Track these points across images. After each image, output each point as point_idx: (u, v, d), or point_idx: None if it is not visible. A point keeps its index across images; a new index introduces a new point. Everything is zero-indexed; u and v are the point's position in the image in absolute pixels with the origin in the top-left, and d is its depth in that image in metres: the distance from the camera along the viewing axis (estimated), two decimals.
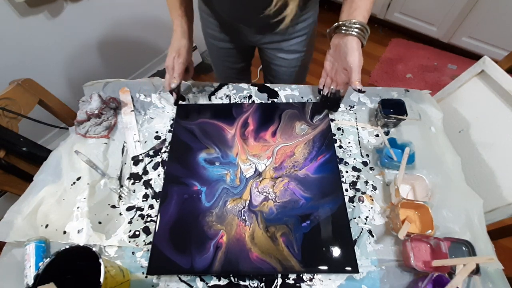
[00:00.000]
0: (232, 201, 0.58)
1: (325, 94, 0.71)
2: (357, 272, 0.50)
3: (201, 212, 0.57)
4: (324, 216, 0.56)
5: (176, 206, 0.58)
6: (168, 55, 0.68)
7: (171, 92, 0.70)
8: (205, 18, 0.80)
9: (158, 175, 0.63)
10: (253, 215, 0.57)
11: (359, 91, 0.58)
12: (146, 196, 0.61)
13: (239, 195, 0.59)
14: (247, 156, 0.65)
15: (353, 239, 0.55)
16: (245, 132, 0.69)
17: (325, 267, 0.51)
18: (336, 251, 0.53)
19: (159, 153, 0.67)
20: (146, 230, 0.56)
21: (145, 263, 0.52)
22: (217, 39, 0.84)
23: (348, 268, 0.51)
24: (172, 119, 0.73)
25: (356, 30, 0.58)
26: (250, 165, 0.64)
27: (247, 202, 0.58)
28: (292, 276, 0.51)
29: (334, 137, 0.69)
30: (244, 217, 0.56)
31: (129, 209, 0.59)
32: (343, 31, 0.59)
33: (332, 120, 0.72)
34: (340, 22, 0.60)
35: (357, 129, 0.71)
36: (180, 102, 0.74)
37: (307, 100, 0.76)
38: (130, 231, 0.56)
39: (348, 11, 0.60)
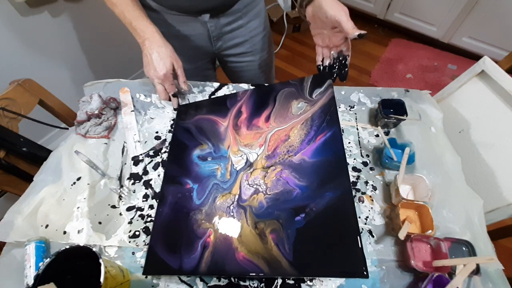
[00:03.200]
0: (221, 197, 0.55)
1: (329, 63, 0.65)
2: (366, 276, 0.42)
3: (192, 211, 0.54)
4: (323, 207, 0.48)
5: (170, 206, 0.56)
6: (160, 64, 0.62)
7: (174, 96, 0.70)
8: None
9: (158, 175, 0.63)
10: (242, 210, 0.52)
11: (360, 36, 0.53)
12: (146, 196, 0.61)
13: (228, 190, 0.55)
14: (238, 147, 0.60)
15: (359, 231, 0.46)
16: (238, 122, 0.64)
17: (322, 270, 0.44)
18: (336, 250, 0.45)
19: (159, 153, 0.67)
20: (146, 230, 0.56)
21: None
22: None
23: (353, 271, 0.43)
24: (172, 119, 0.73)
25: None
26: (241, 156, 0.59)
27: (236, 197, 0.54)
28: None
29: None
30: (232, 214, 0.52)
31: (129, 209, 0.59)
32: None
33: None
34: None
35: (357, 129, 0.71)
36: (180, 102, 0.74)
37: None
38: (130, 231, 0.56)
39: None
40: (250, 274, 0.46)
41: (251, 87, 0.79)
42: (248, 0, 0.75)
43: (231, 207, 0.53)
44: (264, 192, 0.54)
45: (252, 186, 0.55)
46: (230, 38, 0.79)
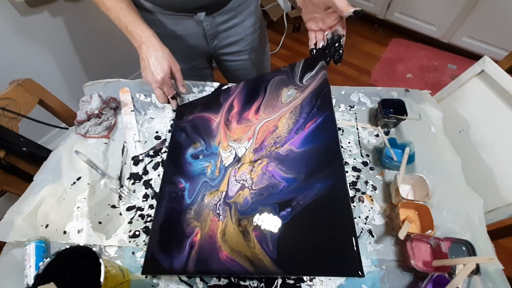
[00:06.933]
0: (209, 195, 0.53)
1: (323, 45, 0.61)
2: (360, 275, 0.39)
3: (183, 210, 0.54)
4: (312, 200, 0.45)
5: (165, 206, 0.56)
6: (158, 68, 0.61)
7: (173, 98, 0.69)
8: None
9: (158, 175, 0.63)
10: (227, 207, 0.50)
11: (356, 13, 0.49)
12: (146, 196, 0.61)
13: (216, 188, 0.54)
14: (228, 142, 0.59)
15: (354, 225, 0.43)
16: (229, 116, 0.63)
17: (312, 268, 0.42)
18: (327, 247, 0.42)
19: (159, 153, 0.67)
20: (146, 230, 0.56)
21: None
22: None
23: (347, 270, 0.41)
24: (173, 119, 0.73)
25: None
26: (230, 151, 0.57)
27: (224, 194, 0.52)
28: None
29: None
30: (218, 211, 0.51)
31: (129, 209, 0.59)
32: None
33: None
34: None
35: (357, 129, 0.71)
36: (179, 103, 0.74)
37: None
38: (130, 231, 0.56)
39: None
40: (235, 273, 0.45)
41: None
42: (244, 7, 0.75)
43: (218, 205, 0.52)
44: (249, 188, 0.51)
45: (239, 182, 0.53)
46: (225, 36, 0.79)
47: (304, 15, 0.60)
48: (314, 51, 0.62)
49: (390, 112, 0.67)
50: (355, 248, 0.40)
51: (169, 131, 0.71)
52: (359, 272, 0.40)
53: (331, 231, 0.43)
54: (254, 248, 0.45)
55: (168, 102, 0.71)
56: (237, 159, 0.56)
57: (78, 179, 0.62)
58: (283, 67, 0.64)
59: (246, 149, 0.56)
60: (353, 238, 0.41)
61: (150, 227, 0.56)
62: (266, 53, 0.91)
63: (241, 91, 0.66)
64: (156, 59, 0.61)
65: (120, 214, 0.58)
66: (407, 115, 0.66)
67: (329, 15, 0.56)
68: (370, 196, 0.60)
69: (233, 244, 0.47)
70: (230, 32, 0.79)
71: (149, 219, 0.58)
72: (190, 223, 0.52)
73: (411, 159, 0.61)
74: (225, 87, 0.78)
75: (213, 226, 0.50)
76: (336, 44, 0.59)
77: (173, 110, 0.73)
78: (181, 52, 0.75)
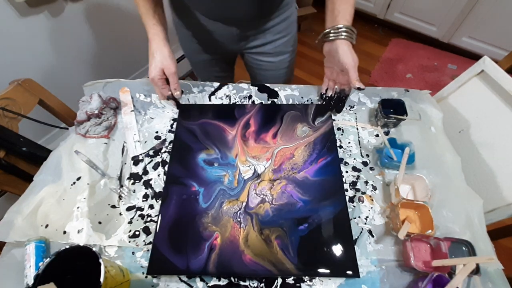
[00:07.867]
0: (228, 203, 0.58)
1: (330, 95, 0.73)
2: (358, 276, 0.50)
3: (198, 213, 0.57)
4: (324, 220, 0.55)
5: (175, 207, 0.58)
6: (153, 66, 0.64)
7: (172, 98, 0.70)
8: (184, 32, 0.80)
9: (158, 175, 0.63)
10: (249, 217, 0.56)
11: (359, 89, 0.60)
12: (146, 196, 0.61)
13: (235, 197, 0.59)
14: (246, 157, 0.65)
15: (353, 239, 0.54)
16: (246, 133, 0.69)
17: (324, 271, 0.50)
18: (335, 255, 0.52)
19: (159, 153, 0.67)
20: (146, 230, 0.56)
21: (145, 263, 0.52)
22: (198, 52, 0.83)
23: (349, 272, 0.50)
24: (172, 119, 0.73)
25: (343, 33, 0.61)
26: (249, 166, 0.63)
27: (244, 204, 0.58)
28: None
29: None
30: (239, 219, 0.56)
31: (129, 209, 0.59)
32: (331, 38, 0.62)
33: (333, 120, 0.72)
34: (326, 30, 0.63)
35: (357, 129, 0.71)
36: (180, 102, 0.74)
37: (307, 100, 0.76)
38: (130, 231, 0.56)
39: (331, 18, 0.63)
40: (260, 275, 0.50)
41: (257, 101, 0.79)
42: (280, 13, 0.74)
43: (238, 213, 0.57)
44: (270, 202, 0.58)
45: (259, 196, 0.59)
46: (253, 39, 0.79)
47: (325, 62, 0.70)
48: (324, 96, 0.74)
49: (390, 112, 0.67)
50: (353, 257, 0.52)
51: (169, 131, 0.71)
52: (351, 272, 0.50)
53: (336, 243, 0.53)
54: (277, 254, 0.52)
55: (170, 99, 0.71)
56: (257, 175, 0.62)
57: (78, 179, 0.62)
58: (297, 104, 0.75)
59: (266, 168, 0.63)
60: (354, 249, 0.53)
61: (150, 227, 0.57)
62: (292, 59, 0.88)
63: (257, 112, 0.72)
64: (152, 59, 0.64)
65: (120, 214, 0.58)
66: (407, 115, 0.67)
67: (343, 74, 0.65)
68: (370, 196, 0.60)
69: (256, 249, 0.53)
70: (259, 35, 0.78)
71: (149, 219, 0.58)
72: (208, 227, 0.55)
73: (411, 159, 0.61)
74: (226, 87, 0.78)
75: (234, 232, 0.55)
76: (341, 99, 0.71)
77: (177, 108, 0.74)
78: (208, 45, 0.80)
